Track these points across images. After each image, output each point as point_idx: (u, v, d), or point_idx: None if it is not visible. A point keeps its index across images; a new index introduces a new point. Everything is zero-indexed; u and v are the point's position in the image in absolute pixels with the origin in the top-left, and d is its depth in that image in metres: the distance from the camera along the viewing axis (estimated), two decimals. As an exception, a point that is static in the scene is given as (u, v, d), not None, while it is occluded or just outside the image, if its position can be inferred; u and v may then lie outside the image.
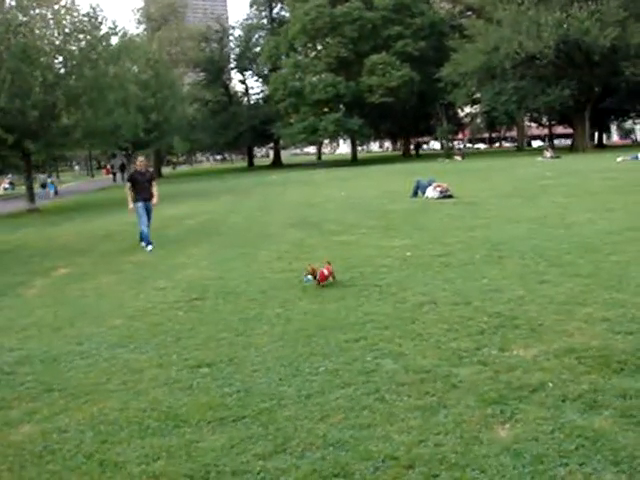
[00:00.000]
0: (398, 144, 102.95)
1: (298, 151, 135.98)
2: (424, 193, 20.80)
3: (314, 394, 5.28)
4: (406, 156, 77.02)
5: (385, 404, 4.97)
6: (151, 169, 15.38)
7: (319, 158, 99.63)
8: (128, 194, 15.07)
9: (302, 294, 8.90)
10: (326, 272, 9.20)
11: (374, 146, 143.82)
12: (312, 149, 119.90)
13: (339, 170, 51.51)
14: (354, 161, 71.06)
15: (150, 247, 14.67)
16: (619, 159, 33.74)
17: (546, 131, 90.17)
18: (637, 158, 32.89)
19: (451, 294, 8.05)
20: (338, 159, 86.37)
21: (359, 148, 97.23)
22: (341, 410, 4.92)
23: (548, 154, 43.51)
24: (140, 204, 15.03)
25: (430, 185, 20.82)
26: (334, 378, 5.58)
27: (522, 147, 75.35)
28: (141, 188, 15.04)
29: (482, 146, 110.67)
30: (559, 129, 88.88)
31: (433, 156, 65.93)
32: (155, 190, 15.34)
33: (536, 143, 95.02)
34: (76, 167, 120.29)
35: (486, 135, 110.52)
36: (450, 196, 19.92)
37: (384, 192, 23.99)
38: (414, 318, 7.15)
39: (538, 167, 33.64)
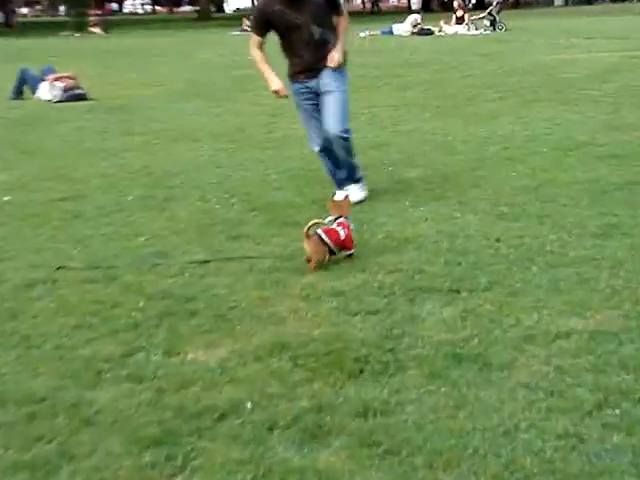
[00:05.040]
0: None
1: None
2: (35, 91, 15.11)
3: None
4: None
5: None
6: None
7: None
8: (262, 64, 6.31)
9: None
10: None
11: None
12: None
13: None
14: None
15: (361, 192, 6.45)
16: (362, 34, 26.28)
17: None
18: (392, 32, 27.47)
19: (84, 263, 5.24)
20: None
21: None
22: None
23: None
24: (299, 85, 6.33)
25: (46, 77, 15.00)
26: None
27: (209, 15, 57.03)
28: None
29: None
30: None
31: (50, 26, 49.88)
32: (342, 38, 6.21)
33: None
34: None
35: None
36: (82, 96, 15.28)
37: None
38: (18, 308, 4.49)
39: (232, 47, 24.45)
